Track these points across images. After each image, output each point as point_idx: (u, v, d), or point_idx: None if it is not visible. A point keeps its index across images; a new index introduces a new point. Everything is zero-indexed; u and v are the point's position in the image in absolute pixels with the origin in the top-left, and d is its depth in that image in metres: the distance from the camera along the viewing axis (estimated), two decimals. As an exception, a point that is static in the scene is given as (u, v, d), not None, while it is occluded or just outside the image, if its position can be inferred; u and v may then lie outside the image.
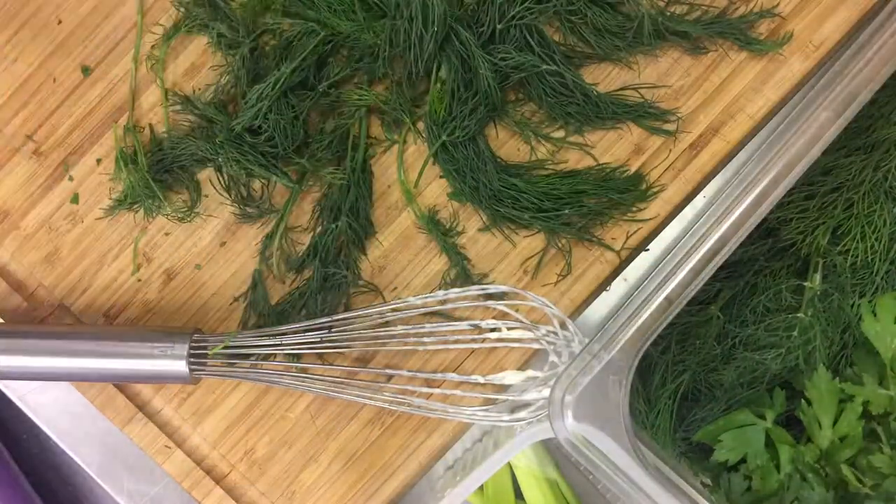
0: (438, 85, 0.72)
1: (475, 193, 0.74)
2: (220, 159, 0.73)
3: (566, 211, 0.73)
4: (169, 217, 0.75)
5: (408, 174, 0.76)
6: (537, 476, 0.85)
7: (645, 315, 0.72)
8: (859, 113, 0.71)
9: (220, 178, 0.75)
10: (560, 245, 0.74)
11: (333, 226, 0.74)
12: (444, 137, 0.73)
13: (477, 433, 0.80)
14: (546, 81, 0.72)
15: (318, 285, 0.74)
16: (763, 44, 0.73)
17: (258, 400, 0.77)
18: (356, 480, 0.77)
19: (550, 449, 0.89)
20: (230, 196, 0.75)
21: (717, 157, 0.75)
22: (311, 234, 0.76)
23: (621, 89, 0.75)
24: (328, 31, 0.71)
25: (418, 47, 0.70)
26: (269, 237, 0.75)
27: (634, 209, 0.75)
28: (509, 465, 0.90)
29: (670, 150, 0.75)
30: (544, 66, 0.71)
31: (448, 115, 0.72)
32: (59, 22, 0.75)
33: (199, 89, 0.75)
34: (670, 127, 0.75)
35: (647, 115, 0.74)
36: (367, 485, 0.77)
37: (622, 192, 0.74)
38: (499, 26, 0.71)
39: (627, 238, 0.75)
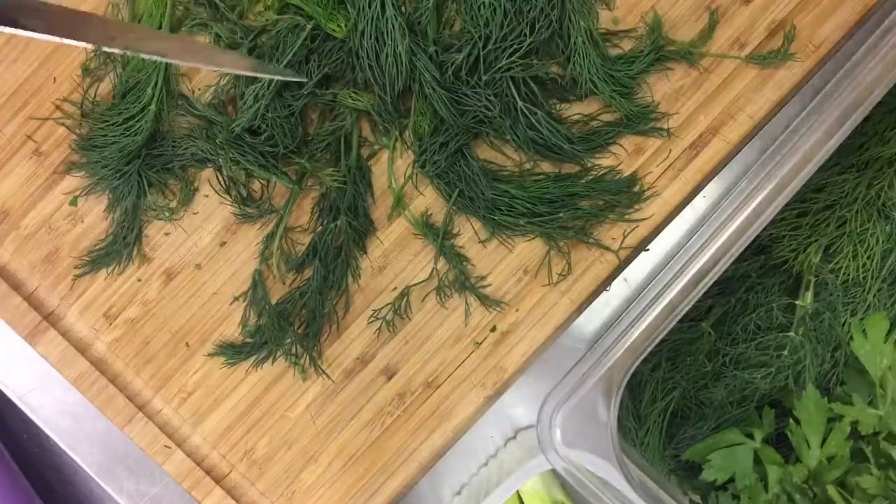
0: (422, 100, 0.72)
1: (469, 204, 0.74)
2: (220, 160, 0.73)
3: (560, 214, 0.73)
4: (159, 216, 0.75)
5: (400, 181, 0.75)
6: (543, 499, 0.85)
7: (636, 333, 0.73)
8: (853, 131, 0.72)
9: (220, 179, 0.75)
10: (559, 247, 0.74)
11: (333, 225, 0.74)
12: (418, 166, 0.73)
13: (482, 458, 0.80)
14: (526, 130, 0.72)
15: (319, 284, 0.74)
16: (768, 56, 0.74)
17: (258, 400, 0.77)
18: (356, 480, 0.77)
19: (556, 471, 0.90)
20: (230, 196, 0.75)
21: (717, 158, 0.75)
22: (312, 234, 0.76)
23: (605, 108, 0.74)
24: (314, 24, 0.70)
25: (388, 73, 0.70)
26: (269, 237, 0.75)
27: (630, 210, 0.75)
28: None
29: (670, 151, 0.75)
30: (509, 134, 0.72)
31: (431, 129, 0.72)
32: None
33: (199, 90, 0.75)
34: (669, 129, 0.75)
35: (638, 122, 0.74)
36: (367, 485, 0.77)
37: (615, 193, 0.74)
38: (484, 77, 0.70)
39: (624, 238, 0.75)
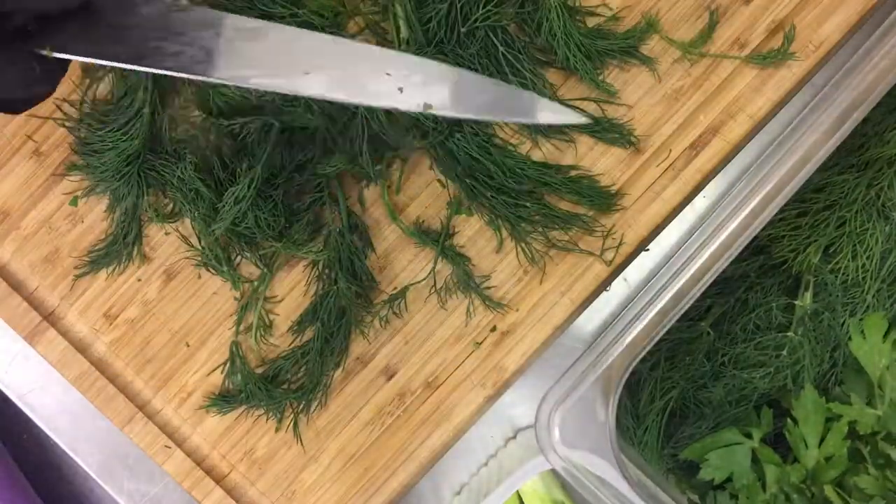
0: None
1: (451, 164, 0.73)
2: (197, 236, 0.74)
3: (527, 204, 0.73)
4: (154, 220, 0.75)
5: (391, 190, 0.75)
6: (543, 499, 0.85)
7: (634, 332, 0.73)
8: (853, 131, 0.72)
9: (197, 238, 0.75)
10: (525, 241, 0.74)
11: (334, 287, 0.73)
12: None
13: (482, 458, 0.80)
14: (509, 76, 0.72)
15: (320, 346, 0.73)
16: (769, 55, 0.74)
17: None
18: (356, 480, 0.77)
19: (556, 470, 0.90)
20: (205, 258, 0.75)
21: (717, 158, 0.75)
22: (307, 295, 0.76)
23: (580, 100, 0.74)
24: (282, 120, 0.70)
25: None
26: (244, 308, 0.75)
27: (599, 226, 0.74)
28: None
29: (670, 151, 0.75)
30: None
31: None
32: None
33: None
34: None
35: (601, 129, 0.74)
36: (367, 485, 0.77)
37: (585, 195, 0.74)
38: (462, 29, 0.70)
39: (604, 241, 0.75)
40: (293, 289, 0.76)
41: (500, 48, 0.71)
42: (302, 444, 0.76)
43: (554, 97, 0.73)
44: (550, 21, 0.70)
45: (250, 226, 0.70)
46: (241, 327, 0.75)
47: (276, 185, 0.71)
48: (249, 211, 0.70)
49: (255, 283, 0.75)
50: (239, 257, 0.75)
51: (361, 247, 0.74)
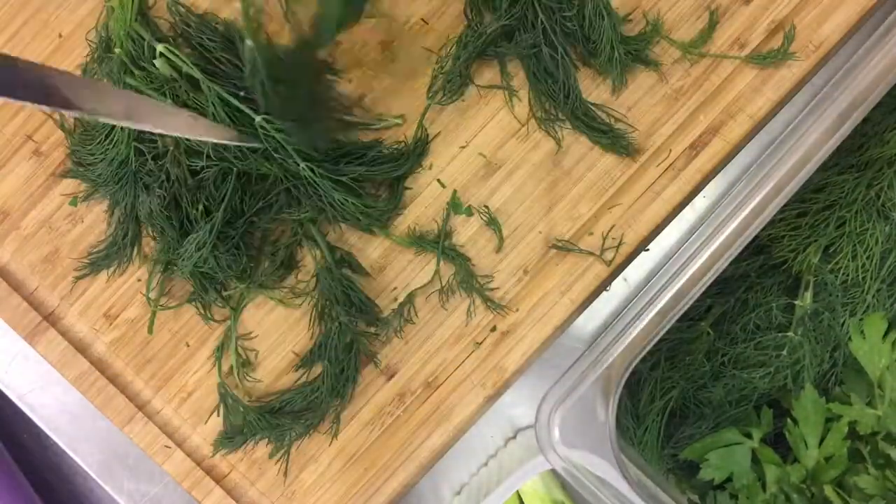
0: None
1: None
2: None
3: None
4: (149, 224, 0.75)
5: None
6: (543, 499, 0.85)
7: (634, 332, 0.73)
8: (852, 131, 0.72)
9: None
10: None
11: (337, 324, 0.73)
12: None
13: (482, 458, 0.80)
14: (542, 61, 0.72)
15: (332, 382, 0.73)
16: (769, 55, 0.74)
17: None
18: (356, 480, 0.77)
19: (556, 470, 0.90)
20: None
21: (717, 158, 0.75)
22: (311, 332, 0.76)
23: (593, 105, 0.74)
24: (241, 165, 0.70)
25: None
26: (220, 348, 0.75)
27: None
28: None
29: (670, 151, 0.75)
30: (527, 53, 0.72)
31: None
32: (60, 35, 0.76)
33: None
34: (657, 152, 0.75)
35: (605, 137, 0.74)
36: (367, 485, 0.77)
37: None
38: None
39: (604, 241, 0.75)
40: (271, 323, 0.76)
41: (540, 15, 0.71)
42: (284, 475, 0.76)
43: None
44: (599, 26, 0.71)
45: (213, 267, 0.70)
46: (225, 369, 0.75)
47: (235, 226, 0.71)
48: (209, 254, 0.70)
49: (228, 324, 0.75)
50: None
51: (353, 277, 0.74)
